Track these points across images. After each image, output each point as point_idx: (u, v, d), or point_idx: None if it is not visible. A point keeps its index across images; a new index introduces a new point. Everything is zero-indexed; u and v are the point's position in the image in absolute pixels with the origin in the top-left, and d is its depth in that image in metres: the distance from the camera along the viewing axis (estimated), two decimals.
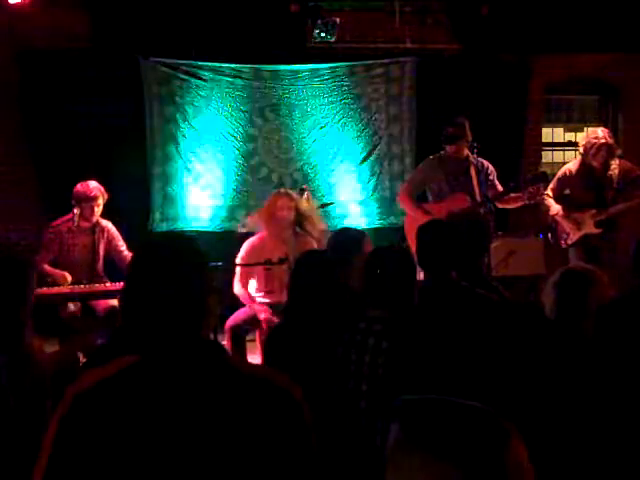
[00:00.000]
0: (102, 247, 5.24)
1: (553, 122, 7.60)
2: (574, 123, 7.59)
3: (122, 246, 5.27)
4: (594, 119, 7.57)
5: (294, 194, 4.97)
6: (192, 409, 1.39)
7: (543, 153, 7.49)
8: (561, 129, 7.66)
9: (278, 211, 4.80)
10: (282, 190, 5.07)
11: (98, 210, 5.12)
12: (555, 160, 7.64)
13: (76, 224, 5.06)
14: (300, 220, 4.88)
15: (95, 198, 5.05)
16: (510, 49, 6.81)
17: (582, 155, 5.42)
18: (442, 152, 5.44)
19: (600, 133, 5.35)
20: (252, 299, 4.87)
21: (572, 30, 6.51)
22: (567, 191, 5.52)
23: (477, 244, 3.35)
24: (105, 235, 5.25)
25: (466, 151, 5.29)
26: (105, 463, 1.33)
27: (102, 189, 5.11)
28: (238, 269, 4.90)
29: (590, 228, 5.35)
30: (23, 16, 5.87)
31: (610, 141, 5.29)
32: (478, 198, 5.23)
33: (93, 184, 5.09)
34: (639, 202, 5.20)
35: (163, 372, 1.42)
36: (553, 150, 7.64)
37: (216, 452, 1.37)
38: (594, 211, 5.34)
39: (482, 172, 5.30)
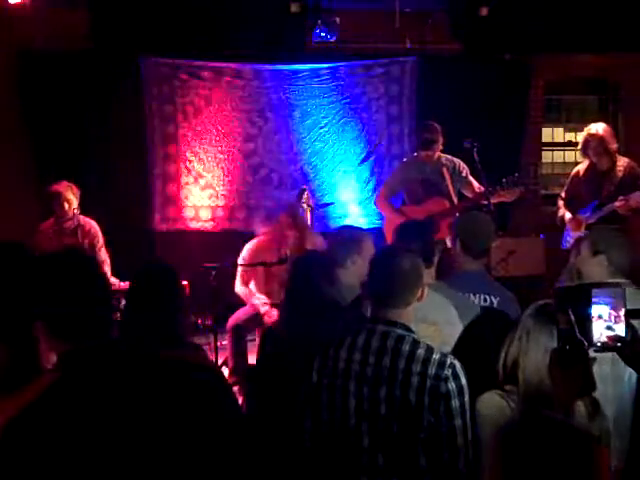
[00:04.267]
0: (86, 247, 5.23)
1: (553, 122, 7.59)
2: (574, 123, 7.59)
3: (99, 244, 5.24)
4: (594, 119, 7.54)
5: (302, 223, 4.98)
6: (119, 410, 1.40)
7: (543, 153, 7.48)
8: (561, 129, 7.66)
9: (285, 239, 4.84)
10: (293, 216, 5.00)
11: (68, 206, 5.12)
12: (555, 160, 7.65)
13: (60, 224, 5.09)
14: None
15: (60, 194, 5.07)
16: (510, 49, 6.81)
17: (581, 151, 5.42)
18: (416, 154, 5.48)
19: (592, 127, 5.35)
20: (252, 294, 4.91)
21: (572, 30, 6.50)
22: (577, 192, 5.50)
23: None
24: (87, 234, 5.25)
25: (438, 154, 5.31)
26: None
27: (71, 185, 5.13)
28: (239, 270, 4.93)
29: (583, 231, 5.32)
30: (23, 16, 5.86)
31: (601, 134, 5.26)
32: (454, 199, 5.26)
33: (61, 182, 5.13)
34: (616, 205, 5.13)
35: (83, 384, 1.42)
36: (553, 150, 7.64)
37: (150, 446, 1.40)
38: (589, 213, 5.32)
39: (455, 172, 5.33)
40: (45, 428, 1.35)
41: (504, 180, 5.08)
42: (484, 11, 6.35)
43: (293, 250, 4.76)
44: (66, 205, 5.10)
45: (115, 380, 1.43)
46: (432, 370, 2.17)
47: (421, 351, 2.21)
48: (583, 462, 1.29)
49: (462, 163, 5.39)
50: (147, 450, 1.38)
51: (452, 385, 2.16)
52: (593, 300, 1.67)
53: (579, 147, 5.40)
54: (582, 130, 5.53)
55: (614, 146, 5.29)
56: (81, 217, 5.22)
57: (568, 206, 5.46)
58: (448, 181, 5.28)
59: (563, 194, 5.52)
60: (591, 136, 5.23)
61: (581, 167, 5.52)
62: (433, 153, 5.27)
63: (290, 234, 4.83)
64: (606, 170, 5.27)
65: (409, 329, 2.27)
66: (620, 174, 5.26)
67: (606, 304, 1.67)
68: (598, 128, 5.29)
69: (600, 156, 5.24)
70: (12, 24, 6.04)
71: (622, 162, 5.32)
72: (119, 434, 1.38)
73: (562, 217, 5.47)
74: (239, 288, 4.95)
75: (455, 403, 2.15)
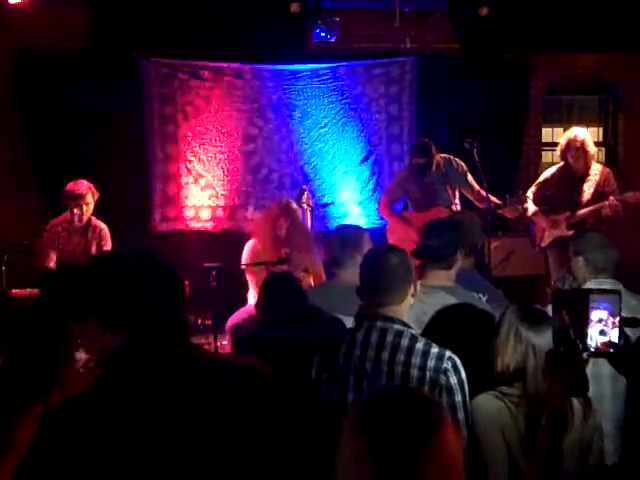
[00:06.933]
0: (94, 248, 5.23)
1: (553, 122, 7.59)
2: (574, 123, 7.59)
3: (106, 247, 5.21)
4: (594, 119, 7.57)
5: (293, 208, 4.96)
6: (167, 413, 1.37)
7: (543, 153, 7.49)
8: (561, 129, 7.65)
9: (278, 230, 4.82)
10: (285, 204, 5.00)
11: (87, 208, 5.10)
12: (555, 160, 7.61)
13: (72, 223, 5.08)
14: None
15: (82, 196, 5.04)
16: (510, 49, 6.81)
17: (560, 154, 5.49)
18: (412, 164, 5.51)
19: (573, 131, 5.41)
20: None
21: (572, 30, 6.50)
22: (548, 193, 5.56)
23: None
24: (97, 235, 5.24)
25: (435, 164, 5.35)
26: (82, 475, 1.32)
27: (92, 187, 5.10)
28: (250, 280, 4.91)
29: (562, 230, 5.35)
30: (23, 16, 5.86)
31: (582, 138, 5.31)
32: (455, 204, 5.32)
33: (82, 182, 5.08)
34: (605, 205, 5.17)
35: (127, 382, 1.40)
36: (553, 150, 7.62)
37: (198, 452, 1.36)
38: (568, 213, 5.36)
39: (452, 171, 5.35)
40: (81, 425, 1.34)
41: (507, 198, 5.12)
42: (484, 11, 6.35)
43: (285, 241, 4.75)
44: (84, 208, 5.08)
45: (162, 382, 1.40)
46: (431, 363, 2.19)
47: (420, 345, 2.23)
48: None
49: (461, 163, 5.41)
50: (188, 457, 1.35)
51: (454, 379, 2.18)
52: (590, 305, 1.67)
53: (558, 150, 5.48)
54: None
55: (593, 151, 5.36)
56: (93, 218, 5.22)
57: (539, 206, 5.50)
58: (448, 188, 5.33)
59: (531, 194, 5.54)
60: (573, 140, 5.31)
61: (554, 171, 5.59)
62: (430, 170, 5.32)
63: (282, 223, 4.81)
64: (583, 174, 5.34)
65: (407, 324, 2.30)
66: (597, 178, 5.34)
67: (603, 309, 1.68)
68: (579, 133, 5.38)
69: (579, 160, 5.31)
70: (12, 24, 6.04)
71: (597, 167, 5.42)
72: (158, 440, 1.34)
73: (532, 216, 5.52)
74: (254, 293, 4.89)
75: (458, 397, 2.18)
